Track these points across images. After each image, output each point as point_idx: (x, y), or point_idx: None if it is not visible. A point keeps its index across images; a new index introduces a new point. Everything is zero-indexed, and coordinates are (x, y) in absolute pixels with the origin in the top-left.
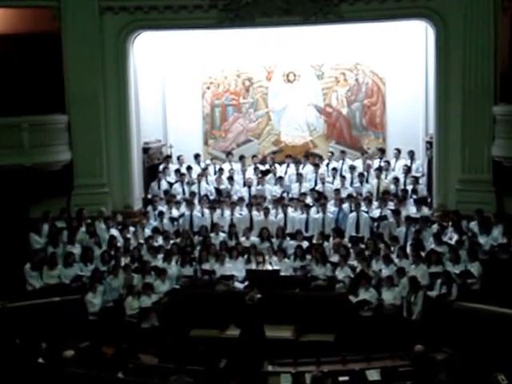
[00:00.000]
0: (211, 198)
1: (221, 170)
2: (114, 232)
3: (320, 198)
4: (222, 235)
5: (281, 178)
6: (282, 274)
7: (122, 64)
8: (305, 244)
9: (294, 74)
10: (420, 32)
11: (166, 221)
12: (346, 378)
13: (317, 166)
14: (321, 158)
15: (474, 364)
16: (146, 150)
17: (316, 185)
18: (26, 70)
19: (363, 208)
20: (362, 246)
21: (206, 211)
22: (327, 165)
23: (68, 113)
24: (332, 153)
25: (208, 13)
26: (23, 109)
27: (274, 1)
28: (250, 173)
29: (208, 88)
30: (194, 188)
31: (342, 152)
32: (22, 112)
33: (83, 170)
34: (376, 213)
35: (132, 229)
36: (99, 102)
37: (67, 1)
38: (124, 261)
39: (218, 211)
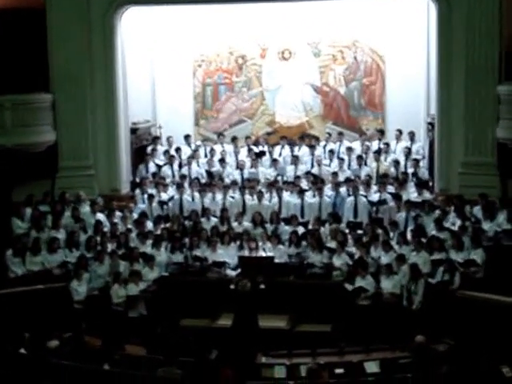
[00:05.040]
0: (202, 181)
1: (212, 151)
2: (100, 217)
3: (316, 182)
4: (214, 220)
5: (275, 160)
6: (277, 261)
7: (109, 41)
8: (300, 229)
9: (289, 52)
10: (422, 8)
11: (154, 204)
12: (343, 371)
13: (313, 147)
14: (317, 139)
15: (477, 356)
16: (134, 131)
17: (312, 167)
18: (9, 46)
19: (361, 192)
20: (360, 231)
21: (197, 195)
22: (324, 147)
23: (52, 92)
24: (329, 134)
25: None
26: (6, 87)
27: None
28: (243, 155)
29: (199, 66)
30: (184, 171)
31: (340, 133)
32: (4, 91)
33: (68, 151)
34: (375, 197)
35: (119, 213)
36: (85, 81)
37: None
38: (110, 247)
39: (210, 195)
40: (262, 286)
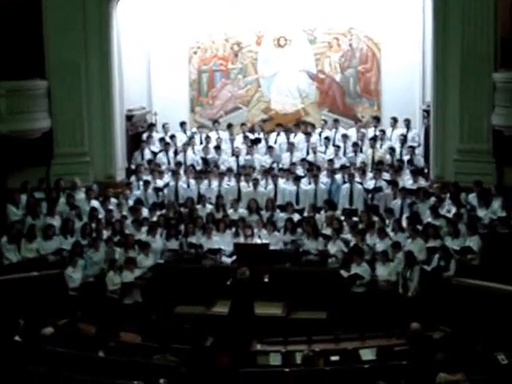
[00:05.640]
0: (198, 168)
1: (208, 138)
2: (95, 203)
3: (312, 169)
4: (209, 207)
5: (271, 147)
6: (272, 247)
7: (104, 28)
8: (296, 217)
9: (284, 39)
10: None
11: (150, 191)
12: (339, 358)
13: (308, 134)
14: (313, 126)
15: (473, 343)
16: (129, 118)
17: (308, 154)
18: (4, 34)
19: (357, 179)
20: (356, 218)
21: (192, 182)
22: (320, 134)
23: (48, 78)
24: (325, 121)
25: None
26: (1, 74)
27: None
28: (239, 142)
29: (195, 53)
30: (180, 157)
31: (335, 120)
32: None
33: (63, 138)
34: (370, 184)
35: (114, 200)
36: (80, 68)
37: None
38: (106, 234)
39: (205, 182)
40: (266, 279)
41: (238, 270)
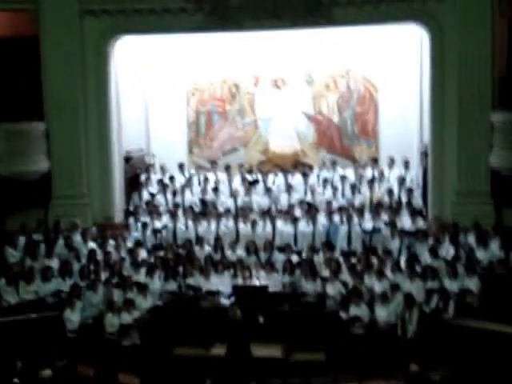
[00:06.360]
0: (196, 209)
1: (206, 179)
2: (93, 245)
3: (310, 210)
4: (207, 248)
5: (269, 188)
6: (271, 289)
7: (102, 69)
8: (294, 258)
9: (282, 80)
10: (414, 37)
11: (148, 233)
12: None
13: (306, 175)
14: (310, 167)
15: None
16: (127, 160)
17: (306, 195)
18: (3, 75)
19: (355, 220)
20: (354, 260)
21: (190, 223)
22: (318, 175)
23: (46, 120)
24: (323, 162)
25: (193, 16)
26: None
27: (263, 4)
28: (237, 183)
29: (193, 94)
30: (178, 199)
31: (333, 162)
32: None
33: (62, 179)
34: (369, 225)
35: (112, 242)
36: (79, 109)
37: (46, 4)
38: (104, 275)
39: (203, 223)
40: (261, 321)
41: (229, 311)
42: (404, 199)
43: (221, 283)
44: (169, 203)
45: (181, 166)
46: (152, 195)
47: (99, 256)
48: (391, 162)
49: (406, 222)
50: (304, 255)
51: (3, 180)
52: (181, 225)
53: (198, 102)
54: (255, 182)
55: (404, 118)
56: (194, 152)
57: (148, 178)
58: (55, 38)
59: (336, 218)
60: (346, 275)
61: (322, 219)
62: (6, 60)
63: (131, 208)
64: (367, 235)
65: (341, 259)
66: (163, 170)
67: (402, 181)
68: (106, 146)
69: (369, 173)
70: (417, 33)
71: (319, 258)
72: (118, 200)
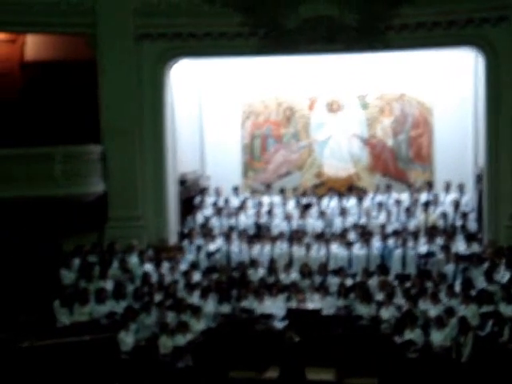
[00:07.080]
0: (250, 232)
1: (260, 203)
2: (149, 267)
3: (364, 233)
4: (261, 271)
5: (323, 212)
6: (324, 312)
7: (158, 92)
8: (348, 281)
9: (337, 104)
10: (469, 60)
11: (202, 255)
12: None
13: (361, 199)
14: (365, 191)
15: None
16: (182, 182)
17: (360, 219)
18: (60, 98)
19: (410, 244)
20: (409, 284)
21: (244, 246)
22: (372, 198)
23: (102, 143)
24: (378, 186)
25: (248, 40)
26: (57, 138)
27: (318, 28)
28: (291, 206)
29: (247, 118)
30: (232, 222)
31: (388, 186)
32: (56, 142)
33: (118, 202)
34: (423, 249)
35: (166, 264)
36: (135, 132)
37: (103, 28)
38: (158, 297)
39: (257, 246)
40: (297, 340)
41: (286, 334)
42: (459, 223)
43: (274, 306)
44: (223, 226)
45: (235, 189)
46: (206, 218)
47: (153, 278)
48: (447, 187)
49: (460, 245)
50: (358, 279)
51: (60, 202)
52: (235, 248)
53: (253, 125)
54: (309, 205)
55: (459, 142)
56: (249, 175)
57: (202, 201)
58: (112, 62)
59: (390, 241)
60: (400, 299)
61: (376, 243)
62: (64, 83)
63: (185, 230)
64: (422, 259)
65: (395, 283)
66: (218, 192)
67: (456, 204)
68: (161, 168)
69: (423, 197)
70: (471, 56)
71: (373, 282)
72: (172, 222)
